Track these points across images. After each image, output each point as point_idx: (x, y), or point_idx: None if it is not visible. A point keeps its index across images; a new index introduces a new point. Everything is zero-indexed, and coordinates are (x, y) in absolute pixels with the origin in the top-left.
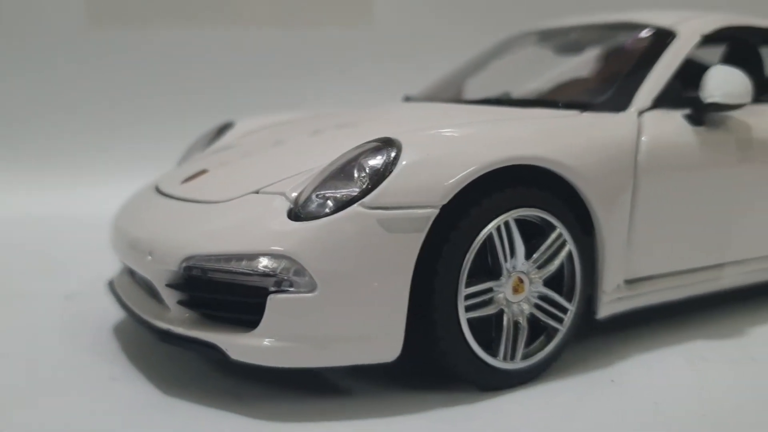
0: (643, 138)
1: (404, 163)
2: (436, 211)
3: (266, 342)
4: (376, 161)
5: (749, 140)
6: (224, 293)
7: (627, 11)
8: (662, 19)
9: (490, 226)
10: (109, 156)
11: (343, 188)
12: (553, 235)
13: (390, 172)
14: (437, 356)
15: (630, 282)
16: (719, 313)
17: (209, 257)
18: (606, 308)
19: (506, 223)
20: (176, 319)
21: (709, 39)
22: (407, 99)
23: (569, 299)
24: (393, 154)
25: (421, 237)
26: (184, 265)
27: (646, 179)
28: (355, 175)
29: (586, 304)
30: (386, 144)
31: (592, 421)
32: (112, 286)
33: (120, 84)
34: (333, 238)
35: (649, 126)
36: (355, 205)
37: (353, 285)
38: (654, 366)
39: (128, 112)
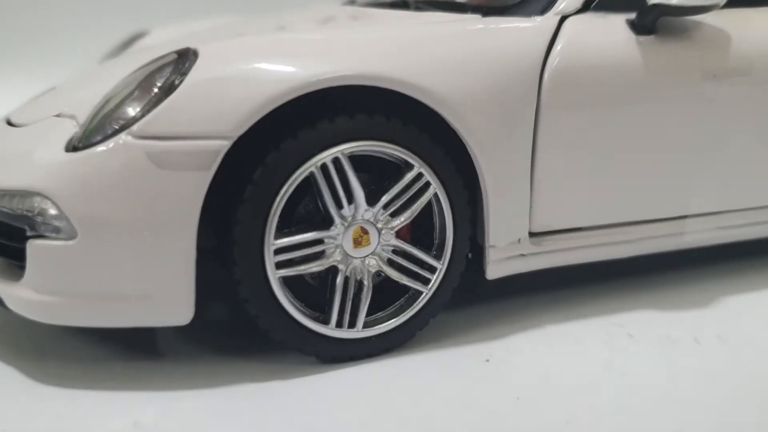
0: (557, 50)
1: (191, 80)
2: (228, 144)
3: (29, 293)
4: (163, 78)
5: (723, 55)
6: (1, 235)
7: None
8: None
9: (310, 164)
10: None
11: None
12: (409, 176)
13: (173, 92)
14: (251, 320)
15: (538, 235)
16: (676, 279)
17: None
18: (498, 267)
19: (336, 160)
20: None
21: None
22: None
23: (439, 256)
24: (183, 69)
25: (207, 176)
26: None
27: (556, 105)
28: (141, 95)
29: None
30: (181, 56)
31: (427, 412)
32: None
33: None
34: (96, 175)
35: (571, 34)
36: (123, 133)
37: (119, 233)
38: (554, 343)
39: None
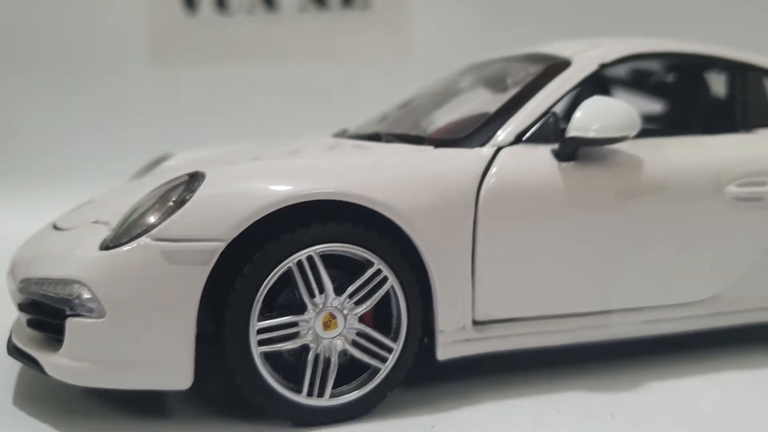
0: (492, 172)
1: (198, 196)
2: (223, 245)
3: (65, 361)
4: (177, 194)
5: (634, 178)
6: (45, 315)
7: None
8: (568, 48)
9: (288, 261)
10: None
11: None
12: (370, 272)
13: (183, 205)
14: (237, 388)
15: (481, 323)
16: (601, 365)
17: (32, 280)
18: (447, 350)
19: (310, 258)
20: (26, 337)
21: (615, 66)
22: (340, 133)
23: (395, 339)
24: (193, 188)
25: (206, 270)
26: (20, 286)
27: (490, 218)
28: (159, 207)
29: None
30: (192, 177)
31: None
32: None
33: (181, 120)
34: (122, 268)
35: (504, 161)
36: (144, 236)
37: (139, 314)
38: (493, 415)
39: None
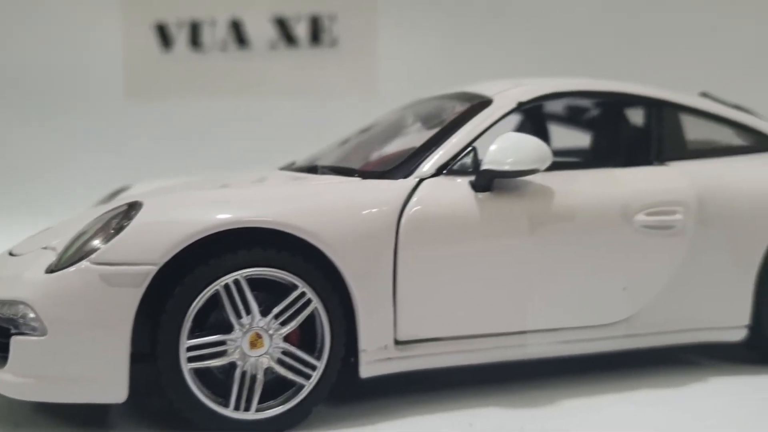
0: (412, 202)
1: (134, 224)
2: (155, 269)
3: (10, 377)
4: (117, 221)
5: (546, 207)
6: None
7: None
8: (492, 88)
9: (216, 284)
10: None
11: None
12: (294, 295)
13: (121, 232)
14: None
15: (403, 343)
16: (520, 383)
17: None
18: (370, 368)
19: (236, 282)
20: None
21: (533, 104)
22: (287, 166)
23: (319, 357)
24: (130, 215)
25: (139, 292)
26: None
27: (410, 244)
28: (101, 234)
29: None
30: (130, 206)
31: None
32: None
33: (155, 152)
34: (63, 290)
35: (425, 191)
36: (85, 260)
37: (78, 332)
38: (410, 429)
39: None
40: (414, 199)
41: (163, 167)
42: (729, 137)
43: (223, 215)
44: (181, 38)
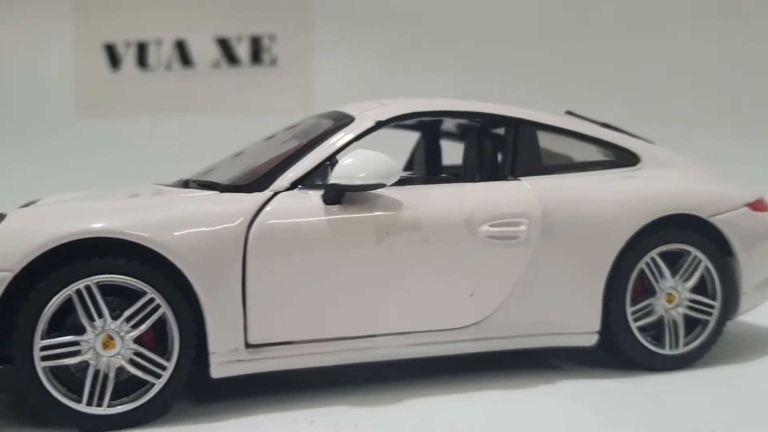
0: (264, 213)
1: None
2: (11, 275)
3: None
4: None
5: (394, 219)
6: None
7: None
8: (357, 108)
9: (69, 289)
10: None
11: None
12: (143, 300)
13: None
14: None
15: (255, 346)
16: (371, 384)
17: None
18: (220, 369)
19: (88, 287)
20: None
21: (393, 123)
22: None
23: (169, 358)
24: None
25: None
26: None
27: (259, 254)
28: None
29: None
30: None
31: None
32: None
33: (105, 167)
34: None
35: (277, 204)
36: None
37: None
38: (257, 425)
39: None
40: (265, 211)
41: (112, 181)
42: (592, 154)
43: (73, 227)
44: (128, 58)
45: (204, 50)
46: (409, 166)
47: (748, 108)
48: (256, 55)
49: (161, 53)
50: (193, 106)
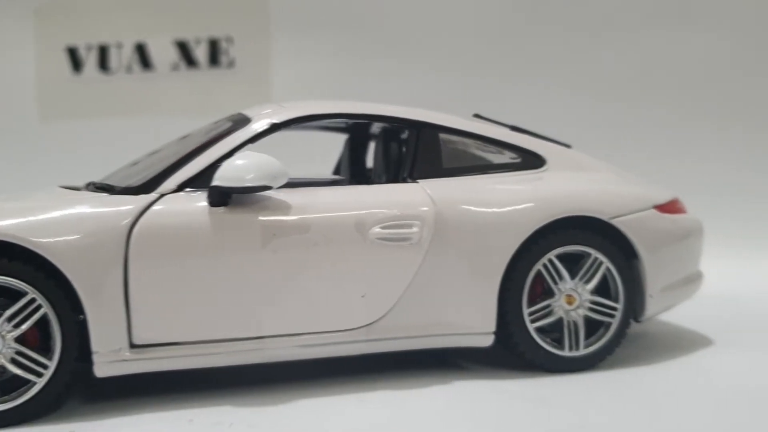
0: (147, 214)
1: None
2: None
3: None
4: None
5: (282, 220)
6: None
7: None
8: (257, 110)
9: None
10: None
11: None
12: (24, 300)
13: None
14: None
15: (140, 347)
16: (262, 386)
17: None
18: (104, 368)
19: None
20: None
21: (290, 125)
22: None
23: (51, 357)
24: None
25: None
26: None
27: (141, 255)
28: None
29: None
30: None
31: None
32: None
33: (68, 170)
34: None
35: (162, 206)
36: None
37: None
38: (140, 425)
39: None
40: (148, 213)
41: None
42: (496, 156)
43: None
44: (90, 61)
45: (163, 53)
46: (337, 170)
47: (716, 108)
48: (214, 58)
49: (122, 56)
50: (154, 108)
